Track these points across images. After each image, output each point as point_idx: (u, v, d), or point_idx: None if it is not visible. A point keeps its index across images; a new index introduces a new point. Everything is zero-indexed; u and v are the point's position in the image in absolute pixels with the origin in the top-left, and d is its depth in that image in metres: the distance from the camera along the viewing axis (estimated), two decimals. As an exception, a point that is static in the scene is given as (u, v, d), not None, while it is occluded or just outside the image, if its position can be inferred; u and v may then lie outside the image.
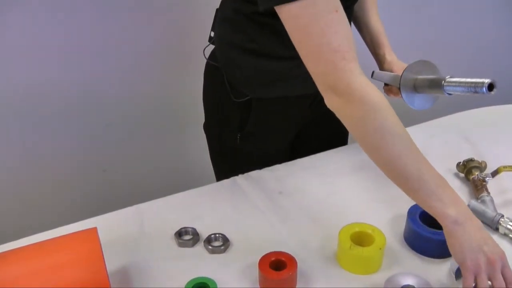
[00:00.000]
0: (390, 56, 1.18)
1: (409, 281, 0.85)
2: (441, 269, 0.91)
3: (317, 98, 1.24)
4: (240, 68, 1.15)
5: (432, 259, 0.93)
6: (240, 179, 1.19)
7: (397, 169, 0.82)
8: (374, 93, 0.82)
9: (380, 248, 0.89)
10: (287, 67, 1.13)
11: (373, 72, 1.18)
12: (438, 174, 0.83)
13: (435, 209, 0.80)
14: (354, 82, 0.82)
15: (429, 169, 0.83)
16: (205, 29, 1.23)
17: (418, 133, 1.38)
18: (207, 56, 1.23)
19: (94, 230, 0.84)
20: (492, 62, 2.48)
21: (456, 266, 0.87)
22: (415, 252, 0.95)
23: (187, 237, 1.00)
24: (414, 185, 0.81)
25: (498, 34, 2.41)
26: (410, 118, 1.47)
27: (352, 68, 0.82)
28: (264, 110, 1.21)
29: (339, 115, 0.86)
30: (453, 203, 0.81)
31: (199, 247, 0.98)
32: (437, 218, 0.81)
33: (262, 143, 1.24)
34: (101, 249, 0.81)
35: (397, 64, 1.15)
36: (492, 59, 2.48)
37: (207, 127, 1.34)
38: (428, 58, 1.10)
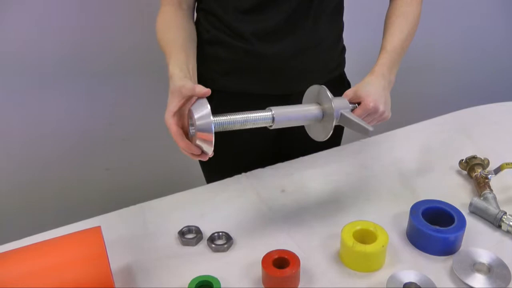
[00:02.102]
0: (367, 77, 1.07)
1: (411, 278, 0.85)
2: (443, 267, 0.91)
3: (291, 101, 1.17)
4: (201, 58, 1.17)
5: (435, 256, 0.93)
6: (242, 177, 1.19)
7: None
8: (157, 23, 1.12)
9: (383, 246, 0.89)
10: (240, 57, 1.17)
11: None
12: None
13: None
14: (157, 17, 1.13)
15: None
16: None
17: (421, 131, 1.39)
18: None
19: (98, 229, 0.84)
20: (495, 61, 2.48)
21: (459, 264, 0.88)
22: (417, 250, 0.95)
23: (190, 235, 1.00)
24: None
25: (501, 32, 2.41)
26: (413, 116, 1.48)
27: (161, 9, 1.13)
28: (226, 103, 1.22)
29: None
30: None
31: (202, 246, 0.98)
32: None
33: (231, 141, 1.24)
34: (105, 247, 0.81)
35: (358, 86, 1.04)
36: (494, 58, 2.48)
37: None
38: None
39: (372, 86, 1.01)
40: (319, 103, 0.97)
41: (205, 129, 0.86)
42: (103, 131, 1.86)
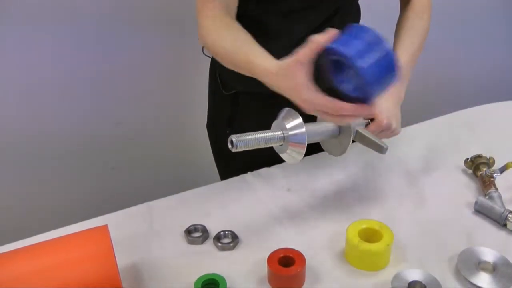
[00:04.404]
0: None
1: (416, 277, 0.86)
2: (448, 265, 0.91)
3: None
4: None
5: (440, 255, 0.93)
6: (249, 176, 1.20)
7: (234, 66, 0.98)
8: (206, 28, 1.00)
9: (388, 245, 0.89)
10: None
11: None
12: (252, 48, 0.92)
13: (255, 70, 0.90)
14: (200, 27, 1.02)
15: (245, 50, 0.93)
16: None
17: (427, 129, 1.39)
18: (207, 52, 1.27)
19: (105, 228, 0.85)
20: (501, 59, 2.47)
21: (463, 262, 0.88)
22: (422, 249, 0.95)
23: (197, 234, 1.01)
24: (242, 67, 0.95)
25: (507, 29, 2.41)
26: (418, 114, 1.48)
27: (204, 15, 1.01)
28: (252, 105, 1.22)
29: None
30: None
31: (209, 244, 0.99)
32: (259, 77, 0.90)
33: None
34: (112, 246, 0.82)
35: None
36: (501, 56, 2.47)
37: (208, 125, 1.36)
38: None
39: (385, 103, 1.02)
40: None
41: (299, 140, 0.88)
42: (110, 130, 1.87)
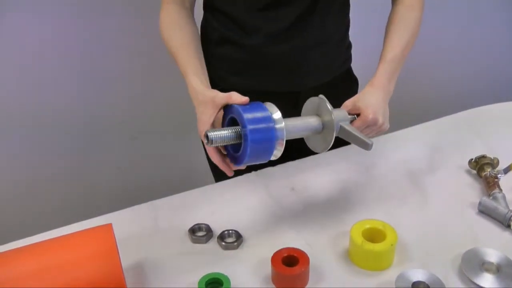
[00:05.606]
0: (366, 88, 1.05)
1: (420, 277, 0.86)
2: (452, 266, 0.91)
3: (301, 97, 1.21)
4: (208, 57, 1.17)
5: (444, 255, 0.93)
6: (252, 175, 1.20)
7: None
8: (161, 22, 1.10)
9: (392, 244, 0.89)
10: (251, 56, 1.17)
11: None
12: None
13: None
14: (159, 19, 1.11)
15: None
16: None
17: (430, 130, 1.39)
18: None
19: (109, 226, 0.85)
20: (506, 59, 2.47)
21: (467, 263, 0.88)
22: (426, 249, 0.95)
23: (201, 233, 1.01)
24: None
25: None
26: (422, 115, 1.48)
27: (164, 7, 1.11)
28: None
29: None
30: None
31: (213, 244, 0.99)
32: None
33: None
34: (116, 245, 0.82)
35: (357, 97, 1.02)
36: (505, 56, 2.46)
37: None
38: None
39: (371, 97, 1.01)
40: (318, 115, 0.96)
41: (278, 135, 0.86)
42: (114, 130, 1.87)
